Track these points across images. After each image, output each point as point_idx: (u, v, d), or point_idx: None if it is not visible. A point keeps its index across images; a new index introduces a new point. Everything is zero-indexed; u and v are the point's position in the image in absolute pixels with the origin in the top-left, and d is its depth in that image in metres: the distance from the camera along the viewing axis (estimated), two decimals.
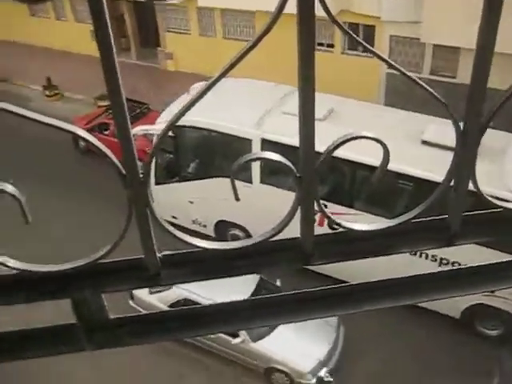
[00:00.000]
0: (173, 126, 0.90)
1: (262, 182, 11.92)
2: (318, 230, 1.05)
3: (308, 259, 1.10)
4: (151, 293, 11.45)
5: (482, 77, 0.92)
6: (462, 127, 0.98)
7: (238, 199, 0.98)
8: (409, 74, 0.93)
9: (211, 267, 1.10)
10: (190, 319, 1.21)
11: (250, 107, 12.19)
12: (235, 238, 13.37)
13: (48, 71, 21.84)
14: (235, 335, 10.70)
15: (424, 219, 1.10)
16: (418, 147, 10.75)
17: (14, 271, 1.00)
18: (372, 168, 10.41)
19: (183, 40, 22.38)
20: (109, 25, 0.80)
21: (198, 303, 10.10)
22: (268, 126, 11.71)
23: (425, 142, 10.81)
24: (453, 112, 0.95)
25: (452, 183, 1.05)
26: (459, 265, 10.45)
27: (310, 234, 1.06)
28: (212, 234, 13.49)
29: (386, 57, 0.93)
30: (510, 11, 1.93)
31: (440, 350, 11.06)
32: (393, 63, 0.92)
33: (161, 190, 12.64)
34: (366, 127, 0.96)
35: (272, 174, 11.78)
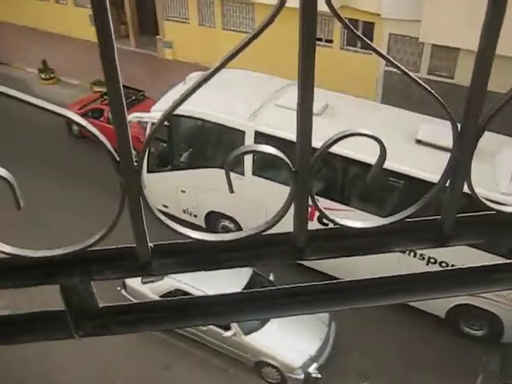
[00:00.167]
0: (169, 115, 0.89)
1: (254, 174, 11.92)
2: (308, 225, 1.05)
3: (300, 254, 1.10)
4: (143, 283, 11.45)
5: (482, 79, 0.92)
6: (459, 128, 0.98)
7: (232, 191, 0.98)
8: (408, 72, 0.92)
9: (203, 258, 1.10)
10: (179, 310, 1.20)
11: (245, 99, 12.17)
12: (226, 229, 13.39)
13: (45, 55, 21.70)
14: (227, 328, 10.71)
15: (418, 219, 1.10)
16: (411, 146, 10.76)
17: (4, 255, 0.99)
18: (364, 165, 10.47)
19: (182, 29, 22.28)
20: (108, 9, 0.79)
21: (189, 294, 10.11)
22: (262, 119, 11.70)
23: (419, 142, 10.83)
24: (451, 113, 0.95)
25: (447, 184, 1.05)
26: (447, 265, 10.51)
27: (303, 228, 1.06)
28: (202, 224, 13.49)
29: (385, 53, 0.92)
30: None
31: (427, 348, 11.14)
32: (392, 60, 0.91)
33: (153, 179, 12.63)
34: (360, 124, 0.95)
35: (264, 166, 11.79)
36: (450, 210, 1.09)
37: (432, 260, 10.87)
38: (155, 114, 12.38)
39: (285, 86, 12.48)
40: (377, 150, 0.98)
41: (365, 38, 0.90)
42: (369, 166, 9.76)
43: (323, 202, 10.71)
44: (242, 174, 11.78)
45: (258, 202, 11.62)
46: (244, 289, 10.07)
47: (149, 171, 12.84)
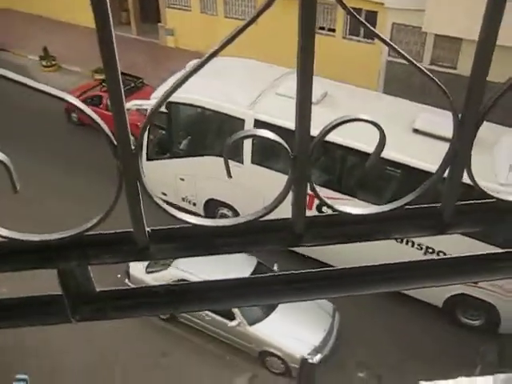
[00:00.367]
0: (166, 100, 0.89)
1: (252, 162, 11.93)
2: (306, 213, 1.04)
3: (298, 240, 1.09)
4: (148, 272, 11.47)
5: (482, 68, 0.91)
6: (459, 116, 0.97)
7: (230, 176, 0.97)
8: (410, 58, 0.91)
9: (200, 244, 1.09)
10: (176, 295, 1.20)
11: (245, 87, 12.17)
12: (224, 217, 13.40)
13: (47, 42, 21.64)
14: (231, 318, 10.73)
15: (417, 206, 1.10)
16: (408, 135, 10.76)
17: (1, 239, 0.98)
18: (362, 153, 10.48)
19: (184, 17, 22.19)
20: None
21: None
22: (261, 107, 11.70)
23: (416, 131, 10.83)
24: (452, 100, 0.94)
25: (447, 172, 1.05)
26: (444, 254, 10.54)
27: (301, 214, 1.06)
28: (201, 212, 13.52)
29: (389, 41, 0.91)
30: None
31: (424, 338, 11.20)
32: (396, 47, 0.91)
33: (152, 166, 12.63)
34: (358, 112, 0.94)
35: (263, 154, 11.80)
36: (449, 198, 1.09)
37: (430, 250, 10.90)
38: (154, 101, 12.35)
39: (284, 74, 12.48)
40: (374, 139, 0.97)
41: (367, 24, 0.89)
42: (366, 154, 9.76)
43: (321, 191, 10.70)
44: (241, 162, 11.78)
45: (256, 190, 11.65)
46: None
47: (148, 159, 12.84)
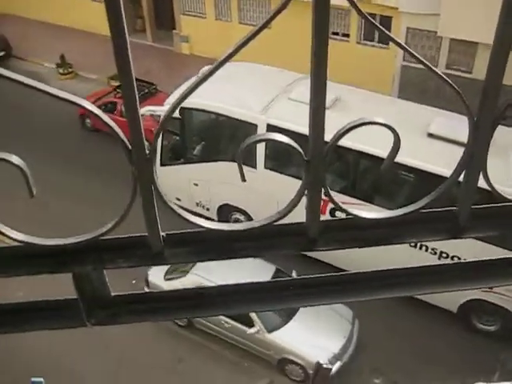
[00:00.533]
0: (179, 105, 0.89)
1: (266, 167, 11.94)
2: None
3: (313, 244, 1.09)
4: (166, 279, 11.49)
5: (497, 71, 0.91)
6: (475, 119, 0.97)
7: (244, 180, 0.97)
8: (425, 61, 0.91)
9: (214, 248, 1.10)
10: (191, 299, 1.21)
11: (257, 92, 12.20)
12: (237, 222, 13.43)
13: (64, 50, 21.85)
14: (250, 325, 10.71)
15: (432, 210, 1.09)
16: (423, 140, 10.70)
17: (17, 243, 0.99)
18: (375, 158, 10.42)
19: (199, 23, 22.30)
20: (120, 1, 0.79)
21: None
22: (274, 112, 11.72)
23: (430, 135, 10.77)
24: (468, 103, 0.94)
25: (462, 175, 1.04)
26: (458, 259, 10.44)
27: (315, 218, 1.05)
28: (215, 217, 13.55)
29: (403, 43, 0.91)
30: None
31: (439, 343, 11.11)
32: (412, 51, 0.91)
33: (165, 172, 12.68)
34: (371, 117, 0.94)
35: (276, 159, 11.81)
36: (465, 201, 1.08)
37: (444, 255, 10.81)
38: (168, 107, 12.42)
39: (297, 79, 12.52)
40: (388, 143, 0.97)
41: (383, 29, 0.89)
42: (379, 159, 9.76)
43: (335, 197, 10.68)
44: (255, 167, 11.80)
45: (269, 195, 11.65)
46: None
47: (162, 164, 12.90)
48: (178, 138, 13.53)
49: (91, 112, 0.89)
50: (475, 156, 1.01)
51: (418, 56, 0.91)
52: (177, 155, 13.66)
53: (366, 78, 16.79)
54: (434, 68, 0.91)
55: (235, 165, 0.99)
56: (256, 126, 11.63)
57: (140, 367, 11.03)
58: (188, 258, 1.11)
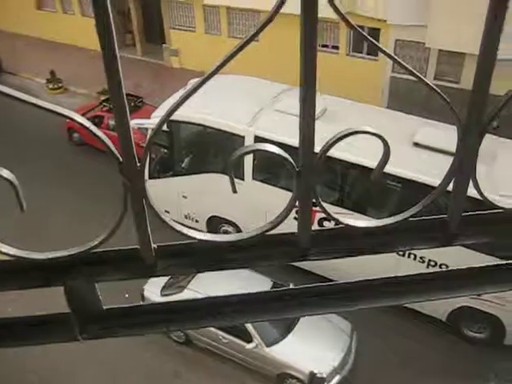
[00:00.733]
0: (168, 118, 0.89)
1: (254, 178, 11.94)
2: None
3: (304, 254, 1.09)
4: (163, 295, 11.40)
5: (484, 77, 0.92)
6: (463, 128, 0.98)
7: (235, 191, 0.97)
8: (416, 72, 0.92)
9: (206, 259, 1.10)
10: (184, 311, 1.20)
11: (245, 104, 12.24)
12: (227, 233, 13.41)
13: (53, 65, 21.89)
14: (248, 340, 10.63)
15: (423, 218, 1.10)
16: (409, 149, 10.75)
17: (7, 257, 0.99)
18: (363, 168, 10.41)
19: (188, 37, 22.39)
20: (110, 15, 0.79)
21: None
22: (261, 124, 11.75)
23: (416, 144, 10.82)
24: (457, 112, 0.95)
25: (452, 183, 1.05)
26: (447, 267, 10.44)
27: (307, 228, 1.06)
28: (204, 229, 13.50)
29: (394, 56, 0.92)
30: None
31: (430, 352, 11.08)
32: (402, 62, 0.91)
33: (154, 184, 12.65)
34: (359, 127, 0.95)
35: (264, 170, 11.82)
36: (455, 209, 1.09)
37: (432, 263, 10.83)
38: (156, 120, 12.45)
39: (283, 90, 12.58)
40: (376, 154, 0.97)
41: (373, 40, 0.90)
42: (366, 169, 9.80)
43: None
44: (242, 178, 11.80)
45: (258, 207, 11.65)
46: None
47: (150, 177, 12.89)
48: (166, 150, 13.54)
49: (82, 125, 0.89)
50: (464, 164, 1.02)
51: (408, 66, 0.92)
52: (165, 168, 13.66)
53: (356, 89, 16.89)
54: (423, 78, 0.92)
55: (224, 176, 1.00)
56: (243, 137, 11.65)
57: (135, 382, 10.93)
58: (180, 270, 1.11)
